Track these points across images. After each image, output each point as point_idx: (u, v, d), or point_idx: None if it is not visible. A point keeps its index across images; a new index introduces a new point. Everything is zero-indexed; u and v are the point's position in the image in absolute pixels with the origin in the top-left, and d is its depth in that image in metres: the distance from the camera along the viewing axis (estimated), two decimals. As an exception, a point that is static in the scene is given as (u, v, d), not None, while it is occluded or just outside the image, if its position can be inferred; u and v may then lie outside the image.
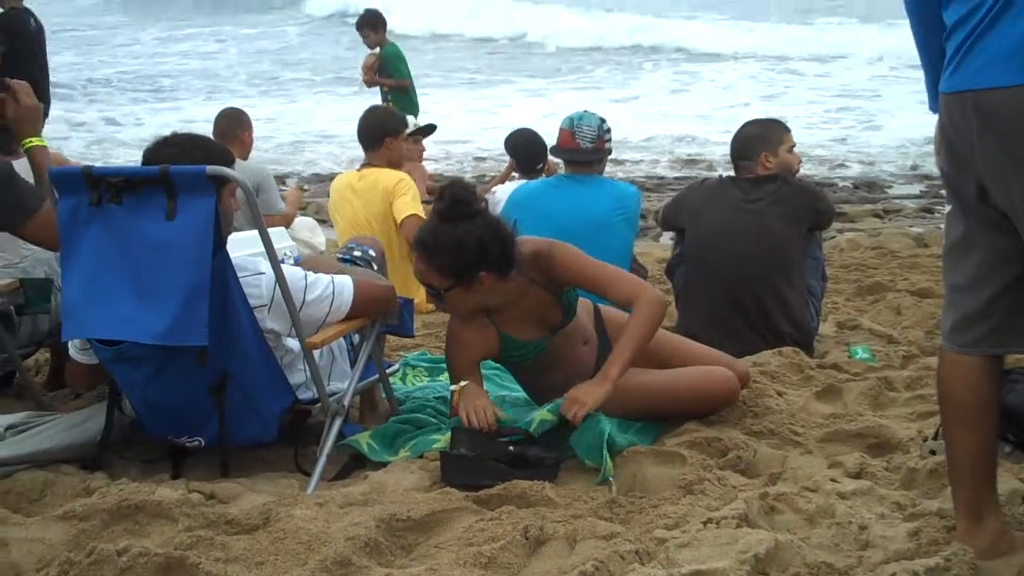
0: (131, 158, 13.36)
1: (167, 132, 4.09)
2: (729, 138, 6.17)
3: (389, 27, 11.53)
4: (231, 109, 7.91)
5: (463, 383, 4.24)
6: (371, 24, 11.35)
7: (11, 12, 10.11)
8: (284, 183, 12.25)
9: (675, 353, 4.65)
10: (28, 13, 10.25)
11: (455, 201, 4.15)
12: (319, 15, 32.48)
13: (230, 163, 3.93)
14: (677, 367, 4.56)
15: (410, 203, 6.84)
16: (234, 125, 7.55)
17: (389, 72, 11.23)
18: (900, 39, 22.00)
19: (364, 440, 4.26)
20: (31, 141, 4.33)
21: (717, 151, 14.17)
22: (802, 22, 26.31)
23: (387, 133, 7.06)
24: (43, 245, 4.37)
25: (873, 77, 21.30)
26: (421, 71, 17.46)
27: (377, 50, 11.28)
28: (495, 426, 4.06)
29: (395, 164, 7.10)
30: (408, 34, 24.86)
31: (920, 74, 3.33)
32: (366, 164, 7.14)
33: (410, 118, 8.43)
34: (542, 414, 4.12)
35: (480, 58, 24.26)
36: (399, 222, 6.78)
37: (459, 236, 4.10)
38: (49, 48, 10.44)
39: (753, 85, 20.81)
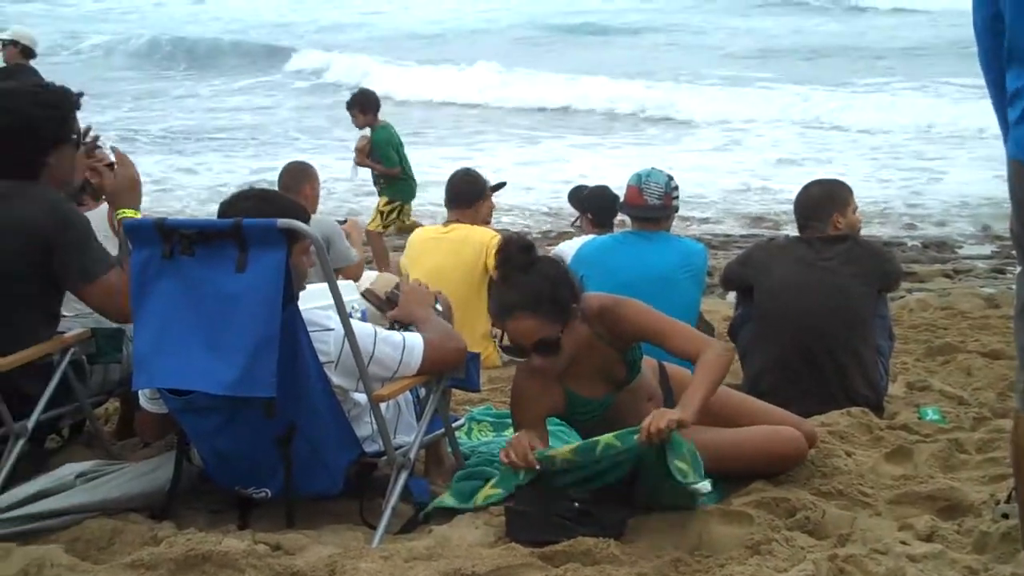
0: (194, 208, 13.57)
1: (243, 184, 4.15)
2: (791, 197, 6.15)
3: (382, 111, 11.28)
4: (295, 163, 7.91)
5: (517, 434, 4.25)
6: (360, 105, 11.13)
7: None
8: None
9: (741, 411, 4.62)
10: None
11: (523, 249, 4.20)
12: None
13: (305, 219, 3.98)
14: (743, 426, 4.53)
15: None
16: (298, 179, 7.51)
17: (378, 157, 10.99)
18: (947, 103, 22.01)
19: (446, 499, 4.27)
20: (124, 212, 4.37)
21: (778, 208, 14.12)
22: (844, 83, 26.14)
23: (480, 197, 7.28)
24: (102, 312, 4.42)
25: (927, 138, 21.02)
26: (473, 129, 17.43)
27: (368, 131, 11.07)
28: (533, 462, 4.04)
29: (484, 223, 7.30)
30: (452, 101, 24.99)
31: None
32: (452, 221, 7.27)
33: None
34: (607, 438, 4.00)
35: (531, 117, 24.23)
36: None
37: (543, 277, 4.18)
38: (105, 102, 10.55)
39: (802, 144, 20.65)
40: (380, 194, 11.03)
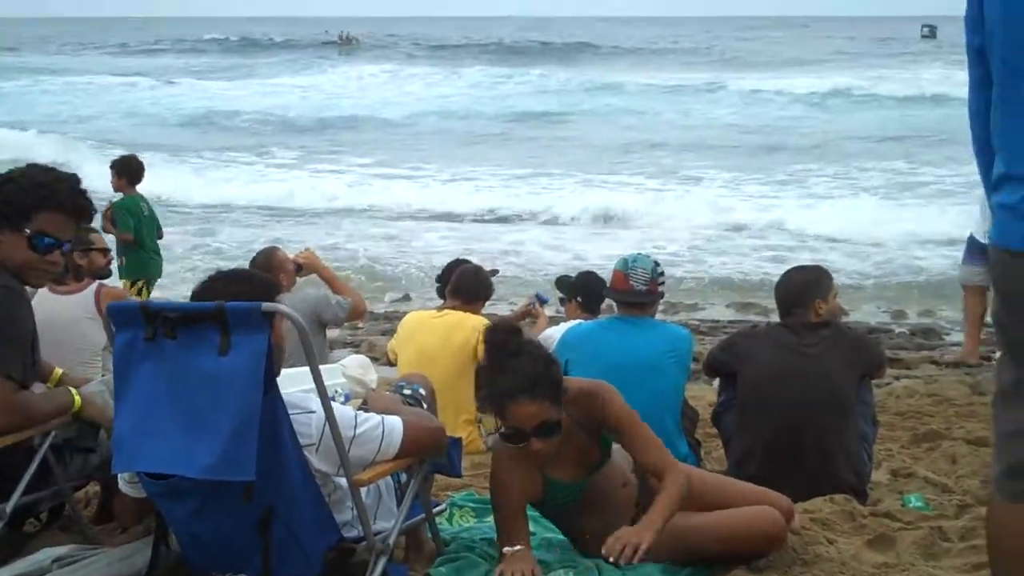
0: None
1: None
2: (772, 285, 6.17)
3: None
4: (267, 247, 7.99)
5: (517, 548, 4.23)
6: (117, 170, 11.30)
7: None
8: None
9: (719, 494, 4.62)
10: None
11: (512, 332, 4.26)
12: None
13: (276, 292, 4.03)
14: (722, 508, 4.53)
15: None
16: (272, 264, 7.50)
17: (116, 223, 11.03)
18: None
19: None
20: None
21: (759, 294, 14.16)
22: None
23: (486, 297, 7.40)
24: None
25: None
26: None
27: (119, 196, 11.19)
28: None
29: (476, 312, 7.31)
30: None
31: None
32: (448, 307, 7.31)
33: None
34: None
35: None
36: None
37: (535, 359, 4.22)
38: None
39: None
40: (120, 275, 10.98)
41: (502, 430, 4.31)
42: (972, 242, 9.97)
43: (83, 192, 4.54)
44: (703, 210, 20.68)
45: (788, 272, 6.11)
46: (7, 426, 4.25)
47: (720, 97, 41.37)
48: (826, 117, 35.89)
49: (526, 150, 30.97)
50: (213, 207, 22.79)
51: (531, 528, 4.38)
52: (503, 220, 21.44)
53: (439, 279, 8.32)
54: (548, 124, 36.34)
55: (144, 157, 12.31)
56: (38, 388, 4.62)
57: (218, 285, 4.01)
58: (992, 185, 3.02)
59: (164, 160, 26.48)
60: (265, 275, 4.28)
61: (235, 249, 17.43)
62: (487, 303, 7.55)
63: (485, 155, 29.76)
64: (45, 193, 4.41)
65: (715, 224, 19.68)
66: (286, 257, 7.69)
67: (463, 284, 7.39)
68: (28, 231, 4.36)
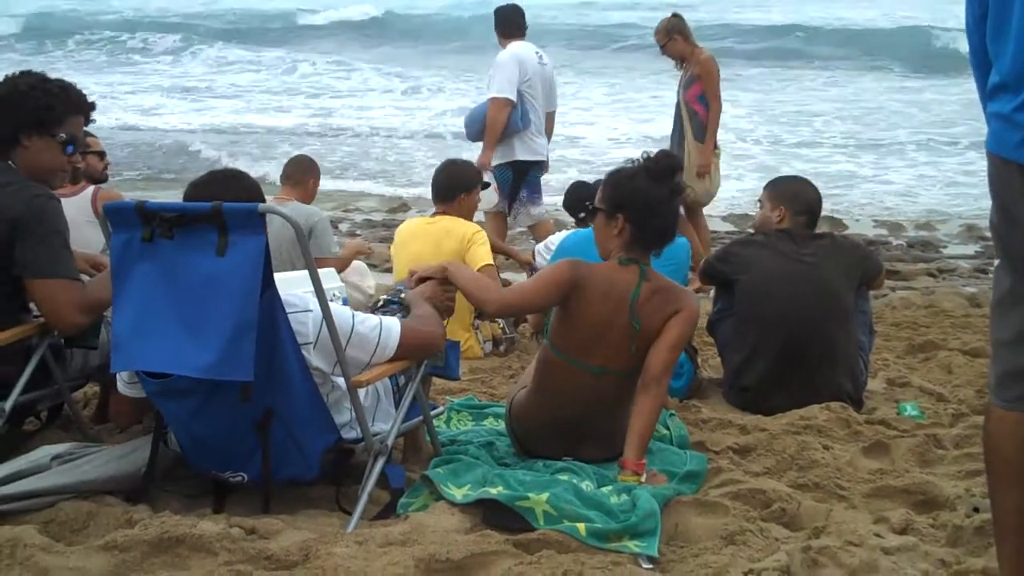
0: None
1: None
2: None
3: None
4: (302, 156, 8.04)
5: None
6: None
7: None
8: (337, 227, 12.32)
9: None
10: None
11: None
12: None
13: (261, 195, 4.07)
14: None
15: (487, 254, 7.00)
16: (303, 170, 7.64)
17: None
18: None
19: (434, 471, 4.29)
20: None
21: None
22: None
23: (461, 189, 7.23)
24: (46, 316, 4.40)
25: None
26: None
27: None
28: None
29: (467, 216, 7.28)
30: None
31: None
32: (437, 213, 7.27)
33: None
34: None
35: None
36: (476, 270, 6.87)
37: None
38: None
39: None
40: None
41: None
42: None
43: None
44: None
45: (797, 183, 6.10)
46: (84, 327, 4.45)
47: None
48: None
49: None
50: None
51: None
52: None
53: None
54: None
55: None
56: None
57: (211, 186, 4.00)
58: (987, 95, 3.02)
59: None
60: (252, 179, 4.26)
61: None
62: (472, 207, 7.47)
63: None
64: (71, 98, 4.54)
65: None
66: (318, 172, 7.85)
67: (434, 184, 7.36)
68: (63, 136, 4.46)
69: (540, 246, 7.67)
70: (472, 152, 9.66)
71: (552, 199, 10.22)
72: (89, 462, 4.06)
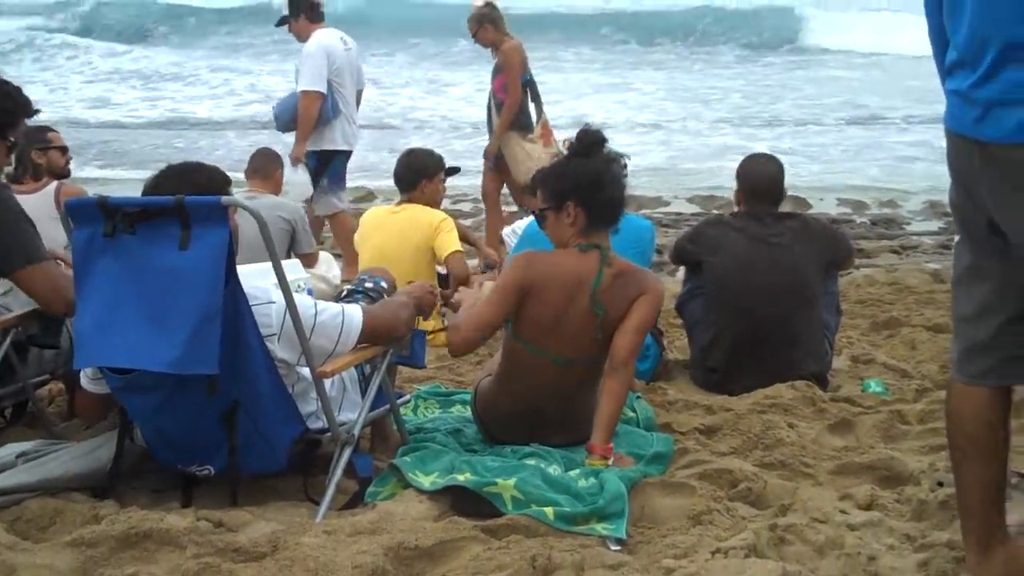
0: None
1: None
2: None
3: None
4: (265, 148, 8.02)
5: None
6: None
7: None
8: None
9: None
10: None
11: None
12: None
13: (228, 184, 4.06)
14: None
15: (454, 240, 7.00)
16: (268, 162, 7.63)
17: None
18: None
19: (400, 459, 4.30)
20: None
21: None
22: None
23: (422, 175, 7.21)
24: (35, 297, 4.39)
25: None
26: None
27: None
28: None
29: (432, 204, 7.24)
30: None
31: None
32: (402, 202, 7.26)
33: None
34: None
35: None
36: (444, 258, 6.96)
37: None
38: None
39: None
40: None
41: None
42: None
43: None
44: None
45: (755, 161, 6.08)
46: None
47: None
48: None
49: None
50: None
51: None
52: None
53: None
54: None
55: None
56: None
57: (171, 179, 3.98)
58: (945, 72, 3.04)
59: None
60: (216, 167, 4.24)
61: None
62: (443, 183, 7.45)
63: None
64: (23, 100, 4.53)
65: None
66: (283, 163, 7.87)
67: (395, 173, 7.34)
68: (12, 139, 4.49)
69: (507, 230, 7.66)
70: (283, 142, 9.51)
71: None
72: (55, 459, 4.05)
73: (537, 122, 9.81)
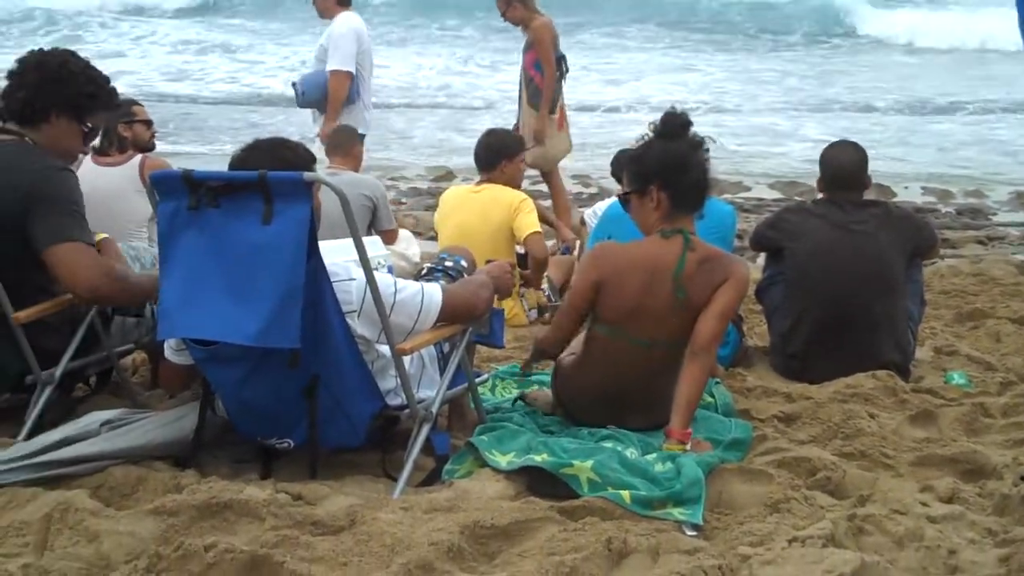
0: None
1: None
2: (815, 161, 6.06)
3: None
4: (345, 125, 8.08)
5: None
6: None
7: None
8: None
9: None
10: None
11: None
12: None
13: (314, 161, 4.07)
14: None
15: (534, 221, 7.00)
16: (348, 139, 7.71)
17: None
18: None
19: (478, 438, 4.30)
20: None
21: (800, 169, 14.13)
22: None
23: (503, 156, 7.22)
24: (59, 279, 4.34)
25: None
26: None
27: None
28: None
29: (512, 184, 7.26)
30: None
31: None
32: (482, 182, 7.29)
33: None
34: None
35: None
36: (523, 238, 6.97)
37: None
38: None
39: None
40: None
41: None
42: None
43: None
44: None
45: (837, 148, 6.01)
46: (105, 292, 4.37)
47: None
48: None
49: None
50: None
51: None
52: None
53: None
54: None
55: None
56: None
57: (257, 154, 4.01)
58: None
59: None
60: (302, 144, 4.26)
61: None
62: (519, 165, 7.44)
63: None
64: (109, 93, 4.60)
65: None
66: (362, 139, 8.01)
67: (475, 153, 7.37)
68: (89, 126, 4.51)
69: (588, 212, 7.67)
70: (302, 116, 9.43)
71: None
72: (138, 428, 4.11)
73: (557, 103, 9.82)
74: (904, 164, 15.45)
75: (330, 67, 8.99)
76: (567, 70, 9.94)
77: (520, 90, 10.00)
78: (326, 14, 9.22)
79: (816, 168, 6.01)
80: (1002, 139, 17.74)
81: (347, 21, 9.06)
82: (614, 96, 22.01)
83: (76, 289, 4.32)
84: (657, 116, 4.57)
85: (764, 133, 18.29)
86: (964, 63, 26.12)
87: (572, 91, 10.58)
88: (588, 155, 14.68)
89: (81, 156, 4.96)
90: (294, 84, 9.35)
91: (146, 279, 4.51)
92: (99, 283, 4.31)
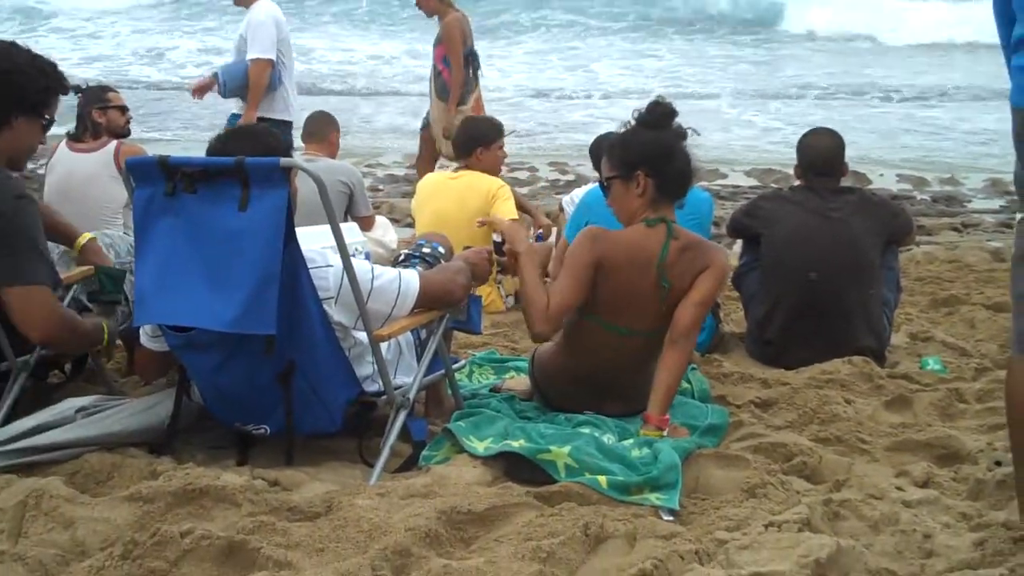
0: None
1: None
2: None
3: None
4: (321, 111, 8.04)
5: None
6: None
7: None
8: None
9: None
10: None
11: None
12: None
13: (290, 149, 4.00)
14: None
15: (511, 209, 7.00)
16: (324, 125, 7.69)
17: None
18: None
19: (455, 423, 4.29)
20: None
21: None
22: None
23: (479, 143, 7.22)
24: (16, 322, 4.16)
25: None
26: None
27: None
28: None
29: (491, 171, 7.25)
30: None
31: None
32: (460, 169, 7.29)
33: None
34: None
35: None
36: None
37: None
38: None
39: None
40: None
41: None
42: None
43: None
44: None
45: (814, 135, 6.02)
46: (56, 339, 4.27)
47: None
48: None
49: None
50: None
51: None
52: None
53: None
54: None
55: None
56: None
57: (233, 141, 3.99)
58: (1011, 48, 3.01)
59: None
60: (276, 134, 4.24)
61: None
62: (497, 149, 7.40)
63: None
64: (59, 77, 4.39)
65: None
66: (338, 126, 7.95)
67: (455, 139, 7.38)
68: (47, 117, 4.36)
69: (566, 198, 7.66)
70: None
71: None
72: (113, 415, 4.09)
73: (470, 95, 9.88)
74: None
75: (250, 56, 8.79)
76: (479, 66, 10.03)
77: (430, 83, 10.03)
78: (243, 2, 9.03)
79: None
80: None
81: (265, 8, 8.85)
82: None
83: (29, 335, 4.20)
84: (640, 104, 4.57)
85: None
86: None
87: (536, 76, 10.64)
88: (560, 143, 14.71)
89: (52, 144, 4.82)
90: (215, 75, 9.24)
91: (90, 325, 4.42)
92: (52, 333, 4.19)
